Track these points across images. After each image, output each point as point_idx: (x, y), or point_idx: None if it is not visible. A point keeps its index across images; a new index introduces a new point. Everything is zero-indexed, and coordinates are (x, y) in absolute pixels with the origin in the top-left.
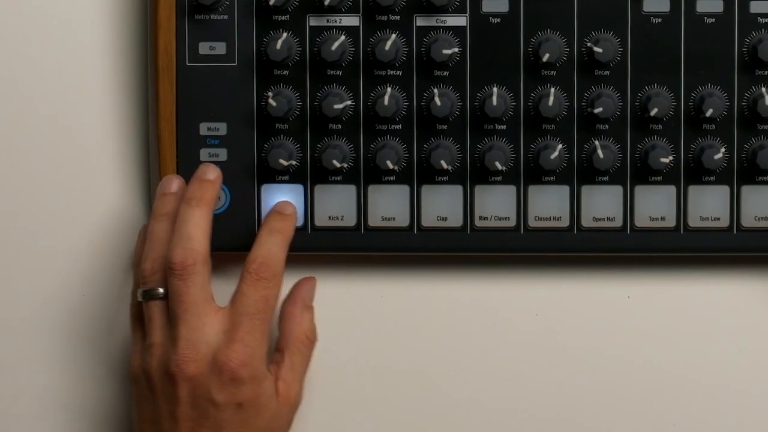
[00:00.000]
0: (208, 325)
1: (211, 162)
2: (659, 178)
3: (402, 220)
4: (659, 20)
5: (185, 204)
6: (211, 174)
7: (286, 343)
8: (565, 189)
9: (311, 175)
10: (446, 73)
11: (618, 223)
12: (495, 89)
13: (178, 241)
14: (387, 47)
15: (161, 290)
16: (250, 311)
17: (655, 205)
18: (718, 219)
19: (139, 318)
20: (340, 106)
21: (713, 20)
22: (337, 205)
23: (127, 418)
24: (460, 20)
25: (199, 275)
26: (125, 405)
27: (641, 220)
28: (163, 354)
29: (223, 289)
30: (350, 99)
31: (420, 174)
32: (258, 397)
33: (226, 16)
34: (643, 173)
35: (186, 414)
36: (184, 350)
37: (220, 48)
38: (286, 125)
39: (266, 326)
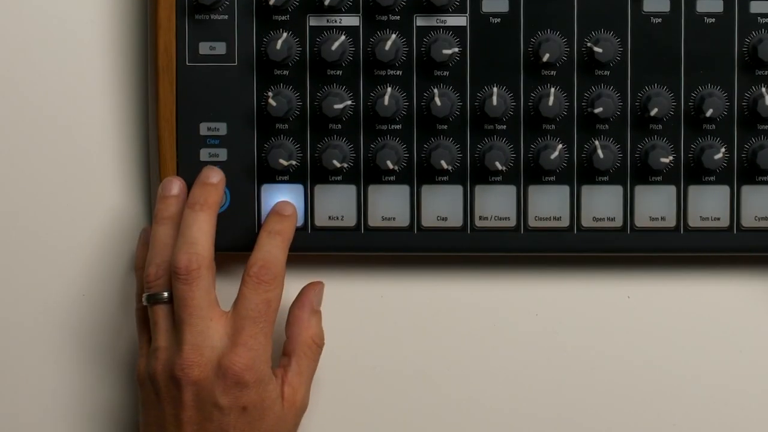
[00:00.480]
0: (212, 329)
1: (211, 162)
2: (659, 178)
3: (402, 220)
4: (659, 20)
5: (189, 208)
6: (215, 177)
7: (293, 348)
8: (565, 189)
9: (311, 175)
10: (446, 73)
11: (618, 223)
12: (495, 89)
13: (182, 245)
14: (387, 47)
15: (166, 294)
16: (253, 315)
17: (655, 205)
18: (718, 219)
19: (145, 322)
20: (340, 106)
21: (713, 20)
22: (337, 205)
23: (134, 421)
24: (460, 20)
25: (203, 279)
26: (131, 408)
27: (641, 220)
28: (168, 358)
29: (223, 290)
30: (350, 99)
31: (420, 174)
32: (263, 401)
33: (226, 16)
34: (643, 173)
35: (191, 418)
36: (188, 354)
37: (220, 48)
38: (286, 125)
39: (269, 329)
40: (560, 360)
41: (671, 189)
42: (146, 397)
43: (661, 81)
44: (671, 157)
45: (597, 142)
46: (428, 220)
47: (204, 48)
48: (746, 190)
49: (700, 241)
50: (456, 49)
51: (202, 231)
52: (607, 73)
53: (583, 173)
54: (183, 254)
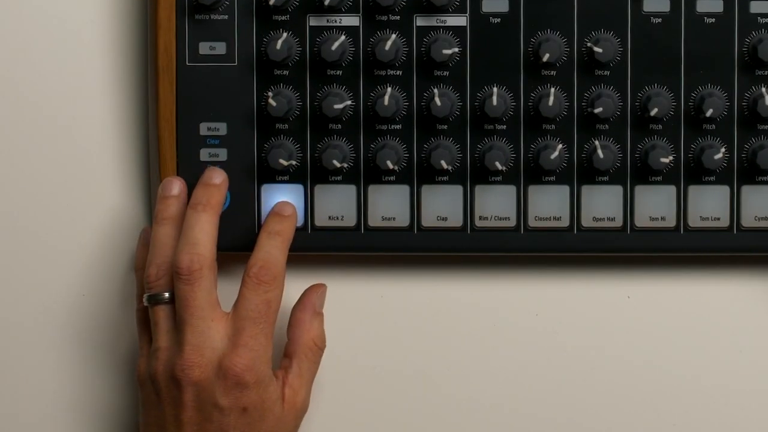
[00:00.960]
0: (213, 330)
1: (211, 162)
2: (659, 178)
3: (402, 220)
4: (659, 20)
5: (191, 209)
6: (217, 178)
7: (294, 349)
8: (565, 189)
9: (311, 175)
10: (446, 73)
11: (618, 223)
12: (495, 89)
13: (184, 246)
14: (387, 47)
15: (167, 295)
16: (253, 315)
17: (655, 205)
18: (718, 219)
19: (146, 322)
20: (340, 106)
21: (713, 20)
22: (337, 205)
23: (134, 421)
24: (460, 20)
25: (205, 280)
26: (132, 408)
27: (641, 220)
28: (169, 359)
29: (223, 290)
30: (350, 99)
31: (420, 174)
32: (263, 402)
33: (226, 16)
34: (643, 173)
35: (191, 418)
36: (189, 355)
37: (220, 48)
38: (286, 125)
39: (270, 330)
40: (560, 360)
41: (671, 189)
42: (146, 398)
43: (661, 81)
44: (671, 157)
45: (597, 142)
46: (428, 220)
47: (204, 48)
48: (746, 190)
49: (700, 241)
50: (456, 49)
51: (204, 231)
52: (607, 73)
53: (583, 173)
54: (185, 254)
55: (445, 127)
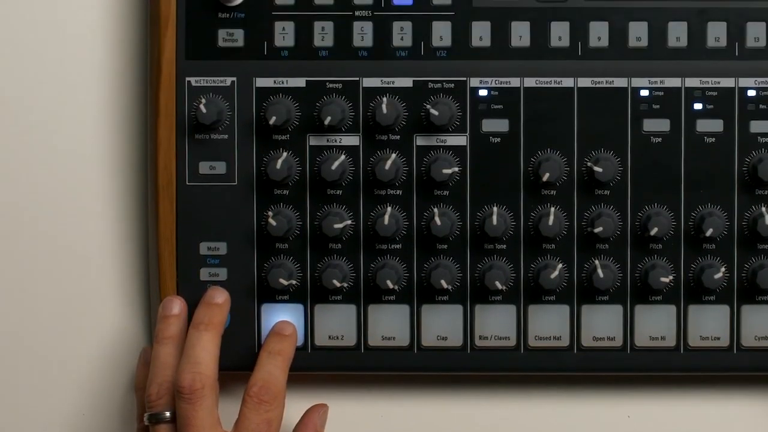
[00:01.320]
0: None
1: (211, 281)
2: (659, 298)
3: (402, 339)
4: (659, 140)
5: (194, 328)
6: (219, 298)
7: None
8: (565, 308)
9: (311, 294)
10: (446, 192)
11: (618, 342)
12: (495, 209)
13: (186, 365)
14: (387, 167)
15: (168, 414)
16: None
17: (655, 324)
18: (719, 338)
19: None
20: (340, 225)
21: (713, 140)
22: (337, 324)
23: None
24: (460, 140)
25: (207, 399)
26: None
27: (641, 340)
28: None
29: (224, 409)
30: (350, 218)
31: (420, 293)
32: None
33: (226, 136)
34: (643, 293)
35: None
36: None
37: (220, 167)
38: (286, 245)
39: None
40: None
41: (671, 308)
42: None
43: (661, 200)
44: (671, 277)
45: (597, 262)
46: (428, 339)
47: (204, 167)
48: (746, 309)
49: (701, 360)
50: (456, 169)
51: (206, 351)
52: (607, 192)
53: (583, 293)
54: (187, 374)
55: (445, 246)
